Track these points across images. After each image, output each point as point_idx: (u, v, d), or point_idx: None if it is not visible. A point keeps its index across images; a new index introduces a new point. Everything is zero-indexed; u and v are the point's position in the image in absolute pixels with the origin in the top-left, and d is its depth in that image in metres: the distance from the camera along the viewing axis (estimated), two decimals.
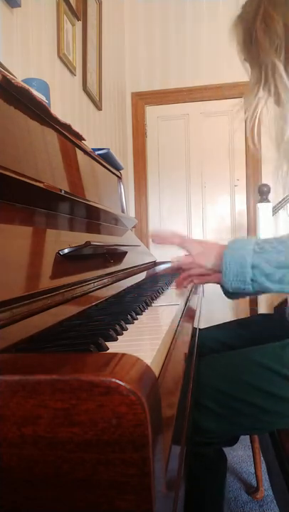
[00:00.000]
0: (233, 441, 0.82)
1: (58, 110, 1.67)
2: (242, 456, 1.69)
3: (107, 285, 0.93)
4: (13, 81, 0.74)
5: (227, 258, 0.69)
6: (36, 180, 0.69)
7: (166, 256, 1.41)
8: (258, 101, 0.76)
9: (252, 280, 0.67)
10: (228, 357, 0.79)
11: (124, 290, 1.01)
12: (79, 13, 2.02)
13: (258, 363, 0.71)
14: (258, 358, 0.72)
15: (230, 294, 0.76)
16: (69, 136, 1.04)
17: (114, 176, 1.55)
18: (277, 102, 0.75)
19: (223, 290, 0.77)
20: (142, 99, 3.18)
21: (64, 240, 0.79)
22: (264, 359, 0.71)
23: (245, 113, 0.79)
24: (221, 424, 0.72)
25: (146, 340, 0.57)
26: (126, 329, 0.62)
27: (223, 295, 0.80)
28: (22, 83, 0.77)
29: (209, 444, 0.75)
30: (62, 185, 0.92)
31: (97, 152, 1.38)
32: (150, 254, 1.77)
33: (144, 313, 0.78)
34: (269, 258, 0.66)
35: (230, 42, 0.81)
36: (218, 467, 0.82)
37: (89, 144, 1.29)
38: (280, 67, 0.71)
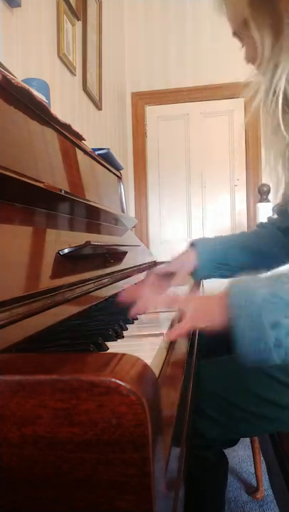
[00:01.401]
0: (233, 442, 0.82)
1: (58, 110, 1.67)
2: (242, 456, 1.69)
3: (107, 285, 0.93)
4: (13, 81, 0.74)
5: (240, 322, 0.49)
6: (36, 180, 0.69)
7: (167, 256, 1.41)
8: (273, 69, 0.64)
9: (276, 345, 0.48)
10: (228, 362, 0.75)
11: (124, 290, 1.01)
12: (79, 13, 2.02)
13: (258, 369, 0.69)
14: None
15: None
16: (69, 136, 1.04)
17: (114, 176, 1.55)
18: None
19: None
20: (142, 99, 3.18)
21: (64, 240, 0.79)
22: (265, 367, 0.68)
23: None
24: (220, 430, 0.71)
25: (146, 341, 0.57)
26: (126, 329, 0.62)
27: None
28: (22, 83, 0.77)
29: (209, 447, 0.74)
30: (63, 185, 0.92)
31: (97, 152, 1.38)
32: (150, 254, 1.77)
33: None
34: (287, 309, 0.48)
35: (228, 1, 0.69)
36: (219, 469, 0.81)
37: (89, 144, 1.29)
38: None
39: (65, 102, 1.90)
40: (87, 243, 0.78)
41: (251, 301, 0.49)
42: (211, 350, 0.95)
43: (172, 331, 0.57)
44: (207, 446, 0.74)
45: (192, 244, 0.93)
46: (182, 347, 0.59)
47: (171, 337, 0.57)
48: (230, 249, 0.93)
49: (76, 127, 1.10)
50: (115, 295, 0.93)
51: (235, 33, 0.72)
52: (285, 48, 0.63)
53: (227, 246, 0.94)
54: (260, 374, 0.69)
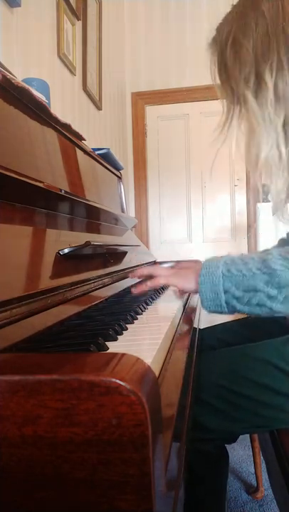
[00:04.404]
0: (233, 437, 0.82)
1: (58, 110, 1.67)
2: (242, 456, 1.69)
3: (107, 285, 0.92)
4: (13, 81, 0.74)
5: (202, 286, 0.72)
6: (36, 180, 0.69)
7: (167, 256, 1.41)
8: (232, 128, 0.81)
9: (226, 303, 0.70)
10: (229, 352, 0.80)
11: (124, 290, 1.01)
12: (79, 13, 2.02)
13: (259, 358, 0.72)
14: (259, 353, 0.73)
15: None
16: (69, 136, 1.04)
17: (114, 175, 1.55)
18: (248, 129, 0.76)
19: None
20: (142, 99, 3.18)
21: (64, 240, 0.79)
22: (265, 354, 0.72)
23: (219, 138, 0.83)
24: (221, 420, 0.72)
25: (146, 340, 0.57)
26: (126, 329, 0.62)
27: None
28: (22, 83, 0.77)
29: (210, 441, 0.75)
30: (63, 185, 0.92)
31: (97, 152, 1.37)
32: (150, 254, 1.77)
33: (144, 313, 0.78)
34: (237, 282, 0.69)
35: (208, 62, 0.81)
36: (220, 464, 0.82)
37: (89, 143, 1.29)
38: (250, 97, 0.71)
39: (65, 102, 1.90)
40: (87, 243, 0.78)
41: (213, 273, 0.71)
42: (211, 347, 0.95)
43: (146, 284, 0.79)
44: (208, 439, 0.74)
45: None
46: (183, 347, 0.59)
47: (140, 288, 0.80)
48: None
49: (76, 127, 1.10)
50: (115, 295, 0.93)
51: None
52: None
53: None
54: (258, 361, 0.72)
